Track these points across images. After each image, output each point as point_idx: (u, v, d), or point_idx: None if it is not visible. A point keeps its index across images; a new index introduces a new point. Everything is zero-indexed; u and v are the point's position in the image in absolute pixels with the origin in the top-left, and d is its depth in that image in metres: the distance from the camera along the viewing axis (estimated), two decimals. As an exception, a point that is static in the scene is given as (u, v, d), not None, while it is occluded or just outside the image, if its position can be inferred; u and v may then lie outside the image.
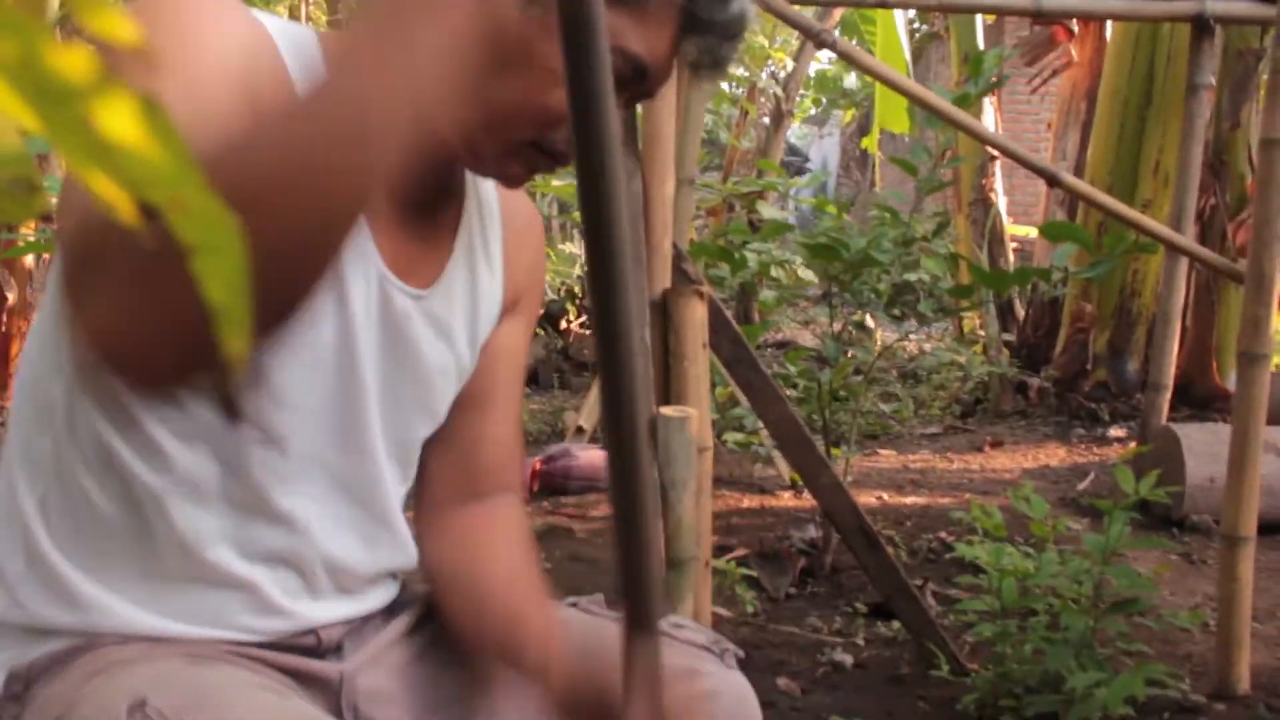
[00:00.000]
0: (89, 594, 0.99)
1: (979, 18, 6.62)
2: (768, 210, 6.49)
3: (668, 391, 2.15)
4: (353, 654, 1.13)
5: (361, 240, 1.03)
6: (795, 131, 18.04)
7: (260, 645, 1.05)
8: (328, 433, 1.04)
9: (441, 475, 1.20)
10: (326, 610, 1.10)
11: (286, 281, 0.72)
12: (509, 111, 0.98)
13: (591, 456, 4.11)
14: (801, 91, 9.73)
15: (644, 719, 0.91)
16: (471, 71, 0.95)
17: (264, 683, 1.00)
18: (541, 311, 1.30)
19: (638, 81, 1.02)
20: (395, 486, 1.13)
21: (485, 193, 1.18)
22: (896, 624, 2.79)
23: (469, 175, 1.14)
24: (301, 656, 1.08)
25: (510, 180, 1.06)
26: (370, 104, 0.73)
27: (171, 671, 0.95)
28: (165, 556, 1.00)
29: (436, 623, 1.19)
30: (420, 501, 1.21)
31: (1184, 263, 3.70)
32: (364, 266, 1.03)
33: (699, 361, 2.16)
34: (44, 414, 1.00)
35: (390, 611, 1.19)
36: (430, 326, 1.10)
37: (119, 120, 0.30)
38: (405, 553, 1.17)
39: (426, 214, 1.10)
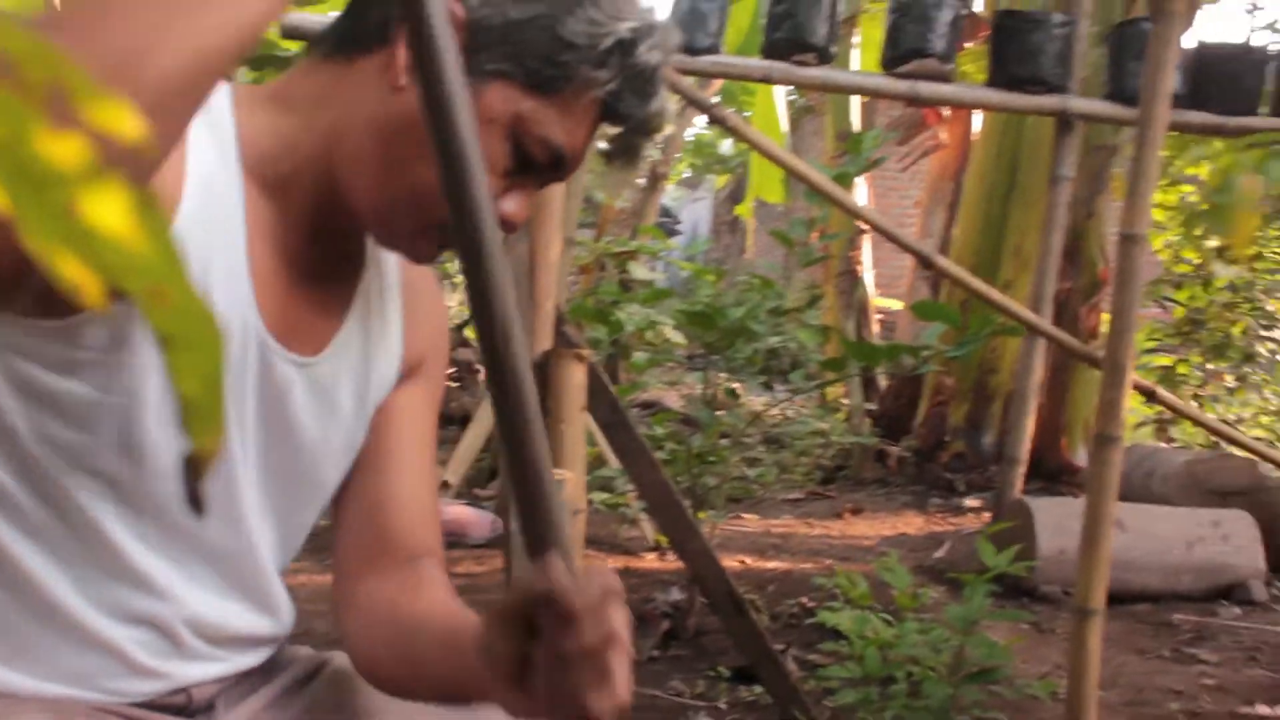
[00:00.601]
0: None
1: (855, 97, 6.82)
2: (639, 271, 6.55)
3: (546, 452, 2.15)
4: (225, 714, 1.10)
5: (242, 308, 1.01)
6: (669, 193, 18.29)
7: (130, 705, 1.02)
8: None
9: (352, 542, 1.16)
10: (197, 670, 1.07)
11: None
12: (426, 194, 0.98)
13: (457, 512, 4.08)
14: (677, 154, 9.87)
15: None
16: (397, 149, 0.96)
17: None
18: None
19: (554, 168, 1.04)
20: (272, 554, 1.11)
21: (385, 262, 1.17)
22: (759, 688, 2.81)
23: (369, 244, 1.13)
24: (172, 716, 1.05)
25: (420, 257, 1.07)
26: None
27: None
28: (22, 617, 0.97)
29: (317, 687, 1.16)
30: (337, 573, 1.16)
31: (1041, 343, 3.85)
32: (243, 333, 1.01)
33: (576, 424, 2.18)
34: None
35: (267, 671, 1.16)
36: (313, 396, 1.08)
37: (106, 211, 0.30)
38: (279, 618, 1.14)
39: (321, 280, 1.09)
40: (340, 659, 1.20)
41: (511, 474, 0.80)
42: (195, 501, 0.30)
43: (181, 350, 0.31)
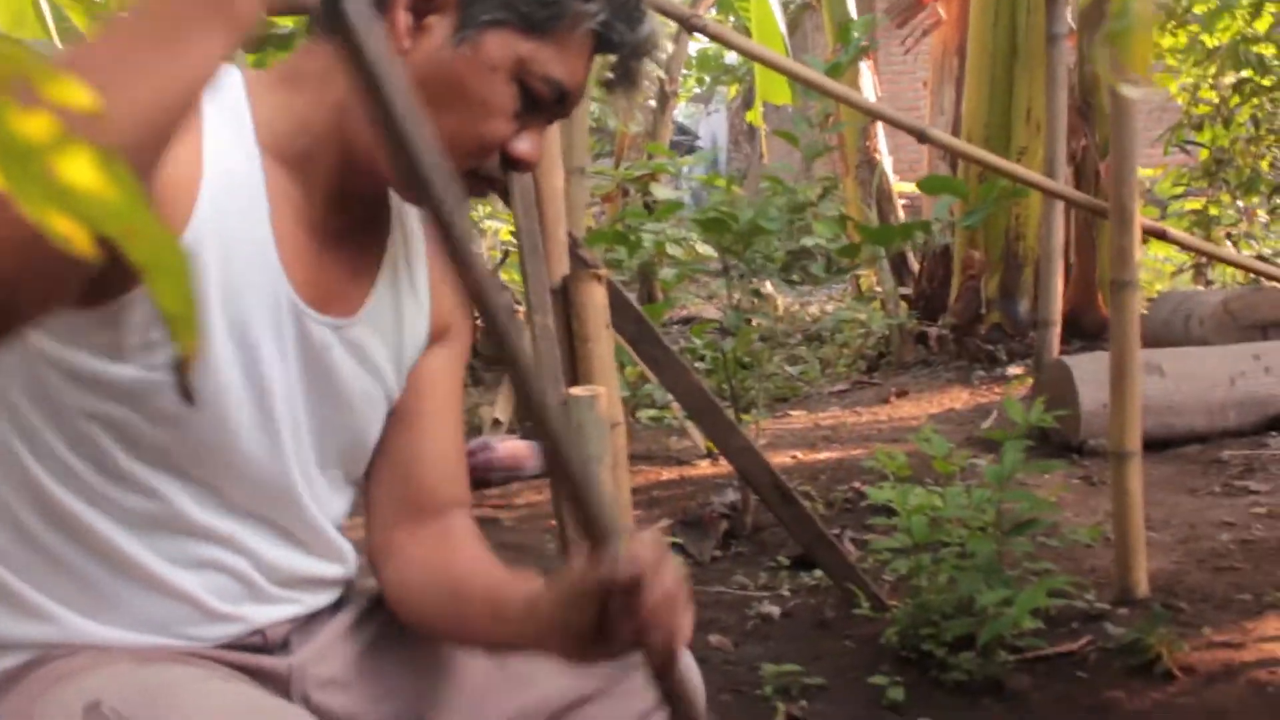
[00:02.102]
0: (38, 605, 1.04)
1: (848, -15, 6.77)
2: (661, 191, 6.59)
3: (575, 373, 2.23)
4: (300, 648, 1.17)
5: (273, 280, 1.07)
6: (683, 111, 18.18)
7: (211, 648, 1.09)
8: (247, 459, 1.08)
9: (387, 498, 1.23)
10: (271, 611, 1.14)
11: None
12: (448, 144, 1.04)
13: (511, 447, 4.18)
14: (684, 71, 9.83)
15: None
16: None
17: (212, 675, 1.04)
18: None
19: (559, 103, 1.11)
20: (322, 509, 1.17)
21: (410, 224, 1.23)
22: (818, 573, 2.90)
23: (394, 208, 1.19)
24: (249, 654, 1.12)
25: None
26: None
27: (121, 673, 1.00)
28: (102, 573, 1.05)
29: (385, 614, 1.23)
30: (372, 525, 1.24)
31: (1060, 205, 3.86)
32: (274, 301, 1.07)
33: (602, 342, 2.24)
34: None
35: (335, 607, 1.23)
36: (352, 355, 1.14)
37: (78, 170, 0.37)
38: (343, 562, 1.21)
39: (348, 247, 1.14)
40: None
41: (562, 485, 0.95)
42: (186, 393, 0.37)
43: (158, 275, 0.38)
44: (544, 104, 1.10)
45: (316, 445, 1.14)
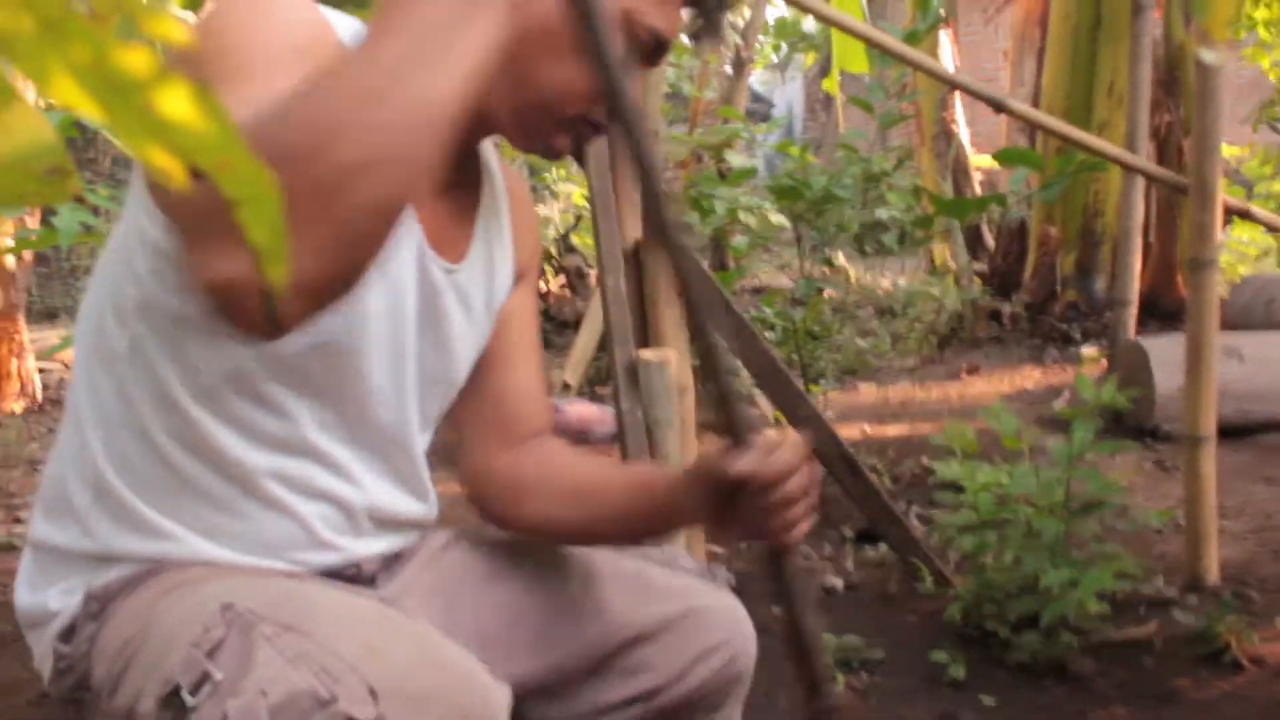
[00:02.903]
0: (155, 522, 1.08)
1: (930, -47, 6.67)
2: (735, 158, 6.55)
3: (646, 337, 2.23)
4: (386, 584, 1.23)
5: (407, 216, 1.12)
6: (759, 78, 18.06)
7: (313, 573, 1.15)
8: (373, 390, 1.14)
9: (481, 430, 1.31)
10: (367, 546, 1.20)
11: (371, 201, 0.84)
12: (559, 92, 1.11)
13: (580, 410, 4.20)
14: (761, 38, 9.75)
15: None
16: (524, 60, 1.08)
17: (330, 585, 1.10)
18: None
19: (659, 52, 1.16)
20: (421, 445, 1.25)
21: (496, 173, 1.29)
22: (883, 547, 2.90)
23: (484, 158, 1.25)
24: (346, 582, 1.17)
25: (556, 152, 1.17)
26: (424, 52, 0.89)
27: (245, 582, 1.03)
28: (225, 489, 1.10)
29: (456, 553, 1.32)
30: (469, 457, 1.32)
31: (1140, 181, 3.80)
32: (409, 240, 1.13)
33: (674, 307, 2.25)
34: (106, 361, 1.09)
35: (415, 546, 1.30)
36: (458, 300, 1.21)
37: (175, 104, 0.38)
38: (429, 504, 1.28)
39: (454, 195, 1.20)
40: (467, 534, 1.36)
41: (703, 370, 1.07)
42: (274, 321, 0.38)
43: (249, 207, 0.39)
44: (644, 51, 1.15)
45: (420, 387, 1.20)
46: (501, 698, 0.99)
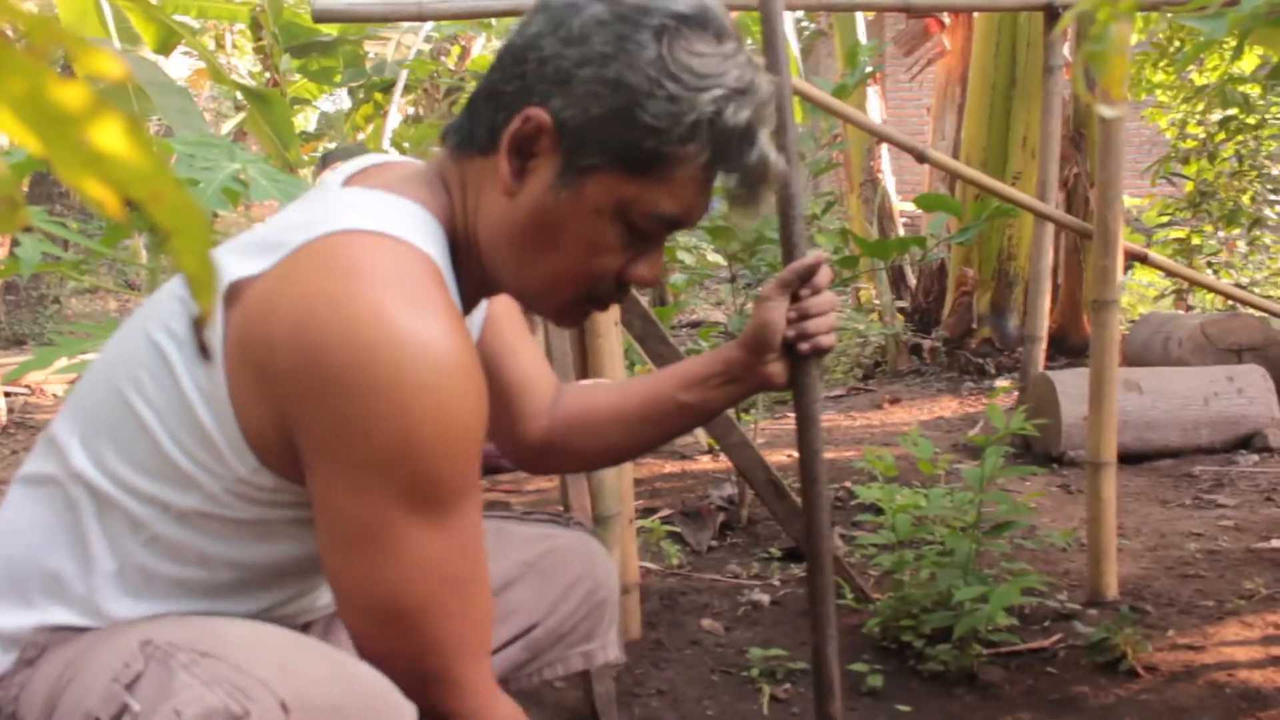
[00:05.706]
0: (115, 613, 1.06)
1: (859, 15, 6.76)
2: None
3: (585, 366, 2.23)
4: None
5: None
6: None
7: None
8: None
9: (518, 419, 1.40)
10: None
11: None
12: (560, 279, 1.08)
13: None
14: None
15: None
16: (525, 251, 1.05)
17: (251, 619, 1.08)
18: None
19: (673, 228, 1.09)
20: None
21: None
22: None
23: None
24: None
25: (566, 324, 1.17)
26: None
27: (165, 621, 1.02)
28: (200, 606, 1.09)
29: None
30: (518, 446, 1.41)
31: (1050, 227, 3.85)
32: None
33: (611, 337, 2.25)
34: (151, 512, 1.05)
35: None
36: None
37: (109, 137, 0.38)
38: None
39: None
40: None
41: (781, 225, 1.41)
42: (204, 350, 0.38)
43: (179, 237, 0.39)
44: (654, 235, 1.08)
45: None
46: (412, 713, 0.98)
